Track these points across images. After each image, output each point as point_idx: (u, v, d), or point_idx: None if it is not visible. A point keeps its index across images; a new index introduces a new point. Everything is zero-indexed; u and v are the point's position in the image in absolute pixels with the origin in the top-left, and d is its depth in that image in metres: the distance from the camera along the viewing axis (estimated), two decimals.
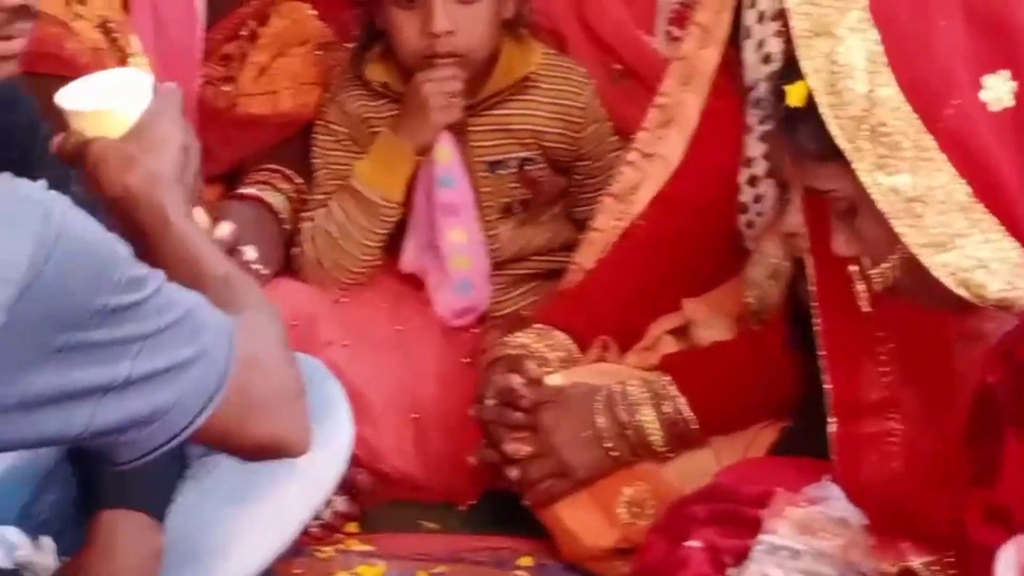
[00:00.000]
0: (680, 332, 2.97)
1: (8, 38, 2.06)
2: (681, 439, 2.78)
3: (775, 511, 2.38)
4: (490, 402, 2.87)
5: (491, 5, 3.13)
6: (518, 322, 3.07)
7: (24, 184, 1.67)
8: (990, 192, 2.09)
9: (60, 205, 1.66)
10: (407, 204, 3.19)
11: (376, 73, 3.21)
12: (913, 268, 2.13)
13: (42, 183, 1.69)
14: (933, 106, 2.10)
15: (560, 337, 2.94)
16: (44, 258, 1.63)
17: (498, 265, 3.25)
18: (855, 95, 2.09)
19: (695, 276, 2.99)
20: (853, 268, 2.24)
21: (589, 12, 3.32)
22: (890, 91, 2.09)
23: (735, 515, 2.41)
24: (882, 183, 2.09)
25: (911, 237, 2.10)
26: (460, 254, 3.19)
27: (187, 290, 1.80)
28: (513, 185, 3.24)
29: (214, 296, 1.90)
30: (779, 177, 2.64)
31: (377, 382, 3.08)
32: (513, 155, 3.23)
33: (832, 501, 2.38)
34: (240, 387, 1.80)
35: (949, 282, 2.10)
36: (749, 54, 2.88)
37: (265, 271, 3.07)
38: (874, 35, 2.10)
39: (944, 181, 2.09)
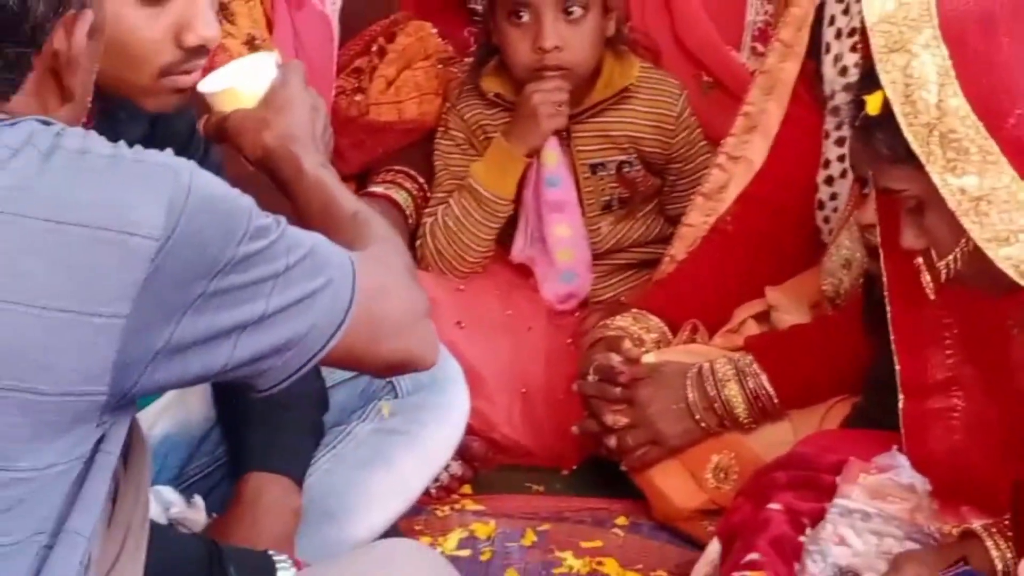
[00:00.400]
0: (762, 317, 2.96)
1: (185, 73, 2.09)
2: (763, 412, 2.77)
3: (848, 478, 2.35)
4: (592, 378, 2.87)
5: (595, 23, 3.11)
6: (616, 307, 3.07)
7: (154, 153, 1.69)
8: None
9: (187, 167, 1.68)
10: (517, 201, 3.18)
11: (491, 84, 3.21)
12: (976, 260, 2.10)
13: (169, 151, 1.71)
14: (997, 115, 2.05)
15: (654, 321, 2.94)
16: (177, 215, 1.64)
17: (598, 256, 3.24)
18: (927, 104, 2.06)
19: (776, 266, 2.97)
20: (919, 260, 2.20)
21: (681, 30, 3.29)
22: (958, 101, 2.05)
23: (812, 481, 2.39)
24: (951, 183, 2.06)
25: (977, 232, 2.06)
26: (564, 246, 3.18)
27: (308, 231, 1.80)
28: (612, 185, 3.22)
29: (347, 230, 1.95)
30: (858, 174, 2.59)
31: (490, 360, 3.08)
32: (612, 158, 3.21)
33: (900, 469, 2.35)
34: (367, 312, 1.80)
35: (1012, 273, 2.06)
36: (827, 67, 2.85)
37: None
38: (944, 51, 2.07)
39: (1007, 182, 2.05)
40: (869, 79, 2.14)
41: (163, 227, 1.63)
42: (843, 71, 2.82)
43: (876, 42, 2.10)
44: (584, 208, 3.21)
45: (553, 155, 3.14)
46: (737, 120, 3.02)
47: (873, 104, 2.11)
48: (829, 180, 2.89)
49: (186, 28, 2.06)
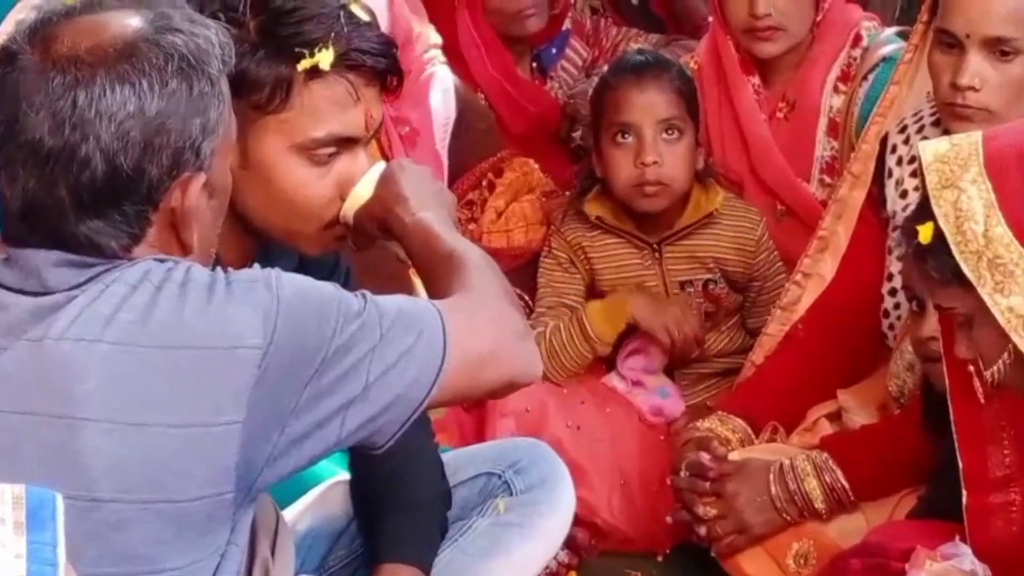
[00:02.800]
0: (833, 416, 2.93)
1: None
2: (839, 504, 2.75)
3: (916, 564, 2.31)
4: (684, 474, 2.86)
5: (688, 146, 3.12)
6: (704, 410, 3.05)
7: (243, 272, 1.70)
8: None
9: (272, 275, 1.69)
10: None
11: (593, 208, 3.20)
12: (1020, 368, 2.08)
13: (256, 266, 1.72)
14: None
15: (738, 422, 2.93)
16: (273, 320, 1.64)
17: (686, 364, 3.21)
18: (975, 234, 2.06)
19: (845, 369, 2.95)
20: (971, 367, 2.20)
21: (758, 165, 3.29)
22: (1002, 230, 2.05)
23: (884, 568, 2.37)
24: (1000, 303, 2.05)
25: None
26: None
27: (391, 296, 1.77)
28: (699, 300, 3.21)
29: (445, 267, 1.89)
30: (911, 293, 2.61)
31: (592, 454, 3.06)
32: (699, 277, 3.20)
33: (962, 557, 2.31)
34: (462, 351, 1.76)
35: None
36: (890, 190, 2.85)
37: None
38: (988, 185, 2.08)
39: None
40: (921, 211, 2.14)
41: (263, 334, 1.63)
42: (903, 194, 2.81)
43: (930, 179, 2.11)
44: None
45: None
46: (812, 242, 3.02)
47: (925, 234, 2.10)
48: (893, 291, 2.87)
49: (349, 184, 2.07)
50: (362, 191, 2.08)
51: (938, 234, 2.10)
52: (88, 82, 1.64)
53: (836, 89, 3.24)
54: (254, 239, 2.13)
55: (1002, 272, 2.06)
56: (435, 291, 1.90)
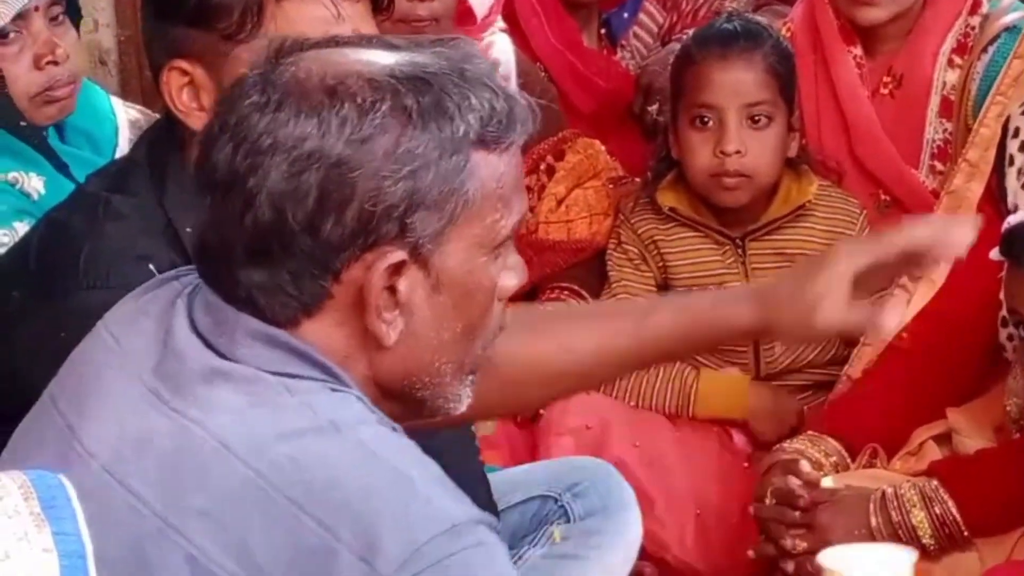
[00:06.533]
0: (942, 439, 2.87)
1: None
2: (949, 539, 2.69)
3: None
4: (769, 501, 2.81)
5: (778, 135, 3.11)
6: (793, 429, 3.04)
7: (456, 503, 1.57)
8: None
9: (480, 537, 1.55)
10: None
11: (666, 198, 3.20)
12: None
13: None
14: None
15: (832, 443, 2.89)
16: (416, 568, 1.49)
17: (772, 377, 3.20)
18: None
19: (955, 385, 2.90)
20: None
21: (860, 149, 3.28)
22: None
23: None
24: None
25: None
26: None
27: None
28: None
29: None
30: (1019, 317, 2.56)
31: (661, 481, 3.05)
32: None
33: None
34: None
35: None
36: (1010, 180, 2.80)
37: None
38: None
39: None
40: None
41: (399, 560, 1.48)
42: None
43: None
44: None
45: None
46: None
47: None
48: None
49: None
50: None
51: None
52: (276, 107, 1.57)
53: (951, 63, 3.25)
54: None
55: None
56: None
